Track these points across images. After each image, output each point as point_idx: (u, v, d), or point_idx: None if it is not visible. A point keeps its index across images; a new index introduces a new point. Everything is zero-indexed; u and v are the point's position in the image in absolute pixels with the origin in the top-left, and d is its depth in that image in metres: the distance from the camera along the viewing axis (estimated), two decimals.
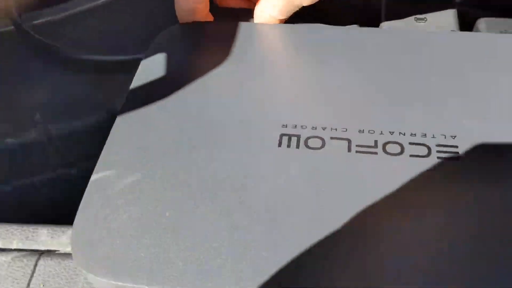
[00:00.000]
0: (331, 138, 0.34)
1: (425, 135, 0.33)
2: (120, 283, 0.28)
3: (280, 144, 0.33)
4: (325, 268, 0.28)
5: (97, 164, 0.34)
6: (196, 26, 0.45)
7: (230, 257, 0.28)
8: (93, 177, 0.33)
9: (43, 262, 0.35)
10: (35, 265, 0.35)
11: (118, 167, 0.33)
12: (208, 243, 0.29)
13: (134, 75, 0.40)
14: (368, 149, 0.33)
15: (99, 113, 0.49)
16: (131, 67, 0.42)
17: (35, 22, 0.52)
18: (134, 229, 0.30)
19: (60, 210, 0.46)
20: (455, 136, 0.33)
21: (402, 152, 0.32)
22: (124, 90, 0.40)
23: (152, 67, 0.40)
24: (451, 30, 0.47)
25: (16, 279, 0.34)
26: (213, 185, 0.32)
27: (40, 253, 0.36)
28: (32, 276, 0.35)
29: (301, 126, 0.34)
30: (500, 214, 0.29)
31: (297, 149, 0.33)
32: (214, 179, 0.32)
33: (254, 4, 0.44)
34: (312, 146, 0.33)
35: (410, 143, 0.33)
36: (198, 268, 0.28)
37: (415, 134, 0.33)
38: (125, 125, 0.36)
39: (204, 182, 0.32)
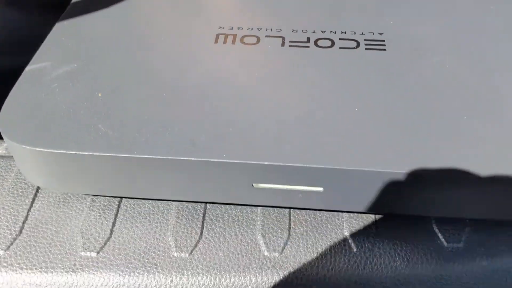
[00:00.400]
0: (266, 36, 0.35)
1: (355, 32, 0.35)
2: (49, 150, 0.28)
3: (216, 41, 0.34)
4: (246, 139, 0.28)
5: (32, 59, 0.34)
6: None
7: (159, 127, 0.29)
8: (27, 68, 0.33)
9: None
10: None
11: (54, 60, 0.33)
12: (139, 116, 0.29)
13: None
14: (301, 44, 0.34)
15: None
16: None
17: None
18: (67, 107, 0.30)
19: None
20: (382, 33, 0.35)
21: (332, 45, 0.34)
22: None
23: None
24: None
25: None
26: (147, 72, 0.32)
27: None
28: None
29: (238, 28, 0.35)
30: (418, 94, 0.31)
31: (233, 45, 0.34)
32: (148, 68, 0.32)
33: None
34: (247, 42, 0.34)
35: (340, 39, 0.34)
36: (127, 135, 0.28)
37: (345, 32, 0.35)
38: (63, 29, 0.36)
39: (139, 70, 0.32)
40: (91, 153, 0.27)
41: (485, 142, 0.28)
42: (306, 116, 0.29)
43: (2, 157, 0.35)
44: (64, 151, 0.28)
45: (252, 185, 0.29)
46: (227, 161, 0.27)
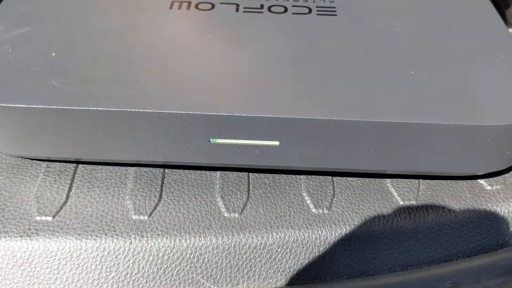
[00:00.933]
0: (220, 3, 0.35)
1: (307, 0, 0.36)
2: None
3: (171, 7, 0.35)
4: (202, 92, 0.29)
5: None
6: None
7: (114, 82, 0.28)
8: None
9: None
10: None
11: (7, 24, 0.33)
12: (93, 72, 0.29)
13: None
14: (255, 10, 0.35)
15: None
16: None
17: None
18: (19, 65, 0.29)
19: None
20: (333, 1, 0.36)
21: (285, 11, 0.35)
22: None
23: None
24: None
25: None
26: (102, 36, 0.32)
27: None
28: None
29: None
30: (367, 52, 0.32)
31: (188, 10, 0.34)
32: (103, 32, 0.32)
33: None
34: (202, 8, 0.35)
35: (293, 6, 0.35)
36: (81, 89, 0.28)
37: (298, 0, 0.36)
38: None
39: (93, 33, 0.32)
40: (43, 106, 0.27)
41: (431, 95, 0.29)
42: (260, 70, 0.30)
43: None
44: (16, 105, 0.27)
45: (209, 141, 0.29)
46: (184, 112, 0.27)
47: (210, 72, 0.29)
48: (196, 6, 0.35)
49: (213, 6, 0.35)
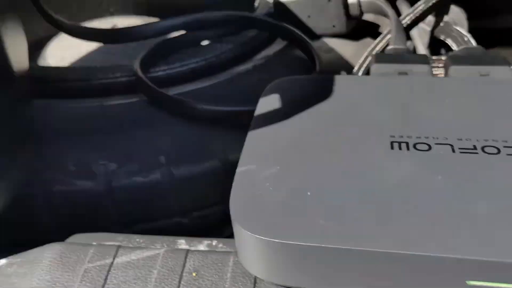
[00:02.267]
0: (436, 144, 0.40)
1: None
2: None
3: (392, 147, 0.40)
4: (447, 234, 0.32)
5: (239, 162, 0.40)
6: (301, 79, 0.54)
7: (374, 221, 0.33)
8: (238, 169, 0.39)
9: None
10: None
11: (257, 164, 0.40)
12: (357, 209, 0.34)
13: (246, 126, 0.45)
14: (469, 151, 0.39)
15: (212, 162, 0.55)
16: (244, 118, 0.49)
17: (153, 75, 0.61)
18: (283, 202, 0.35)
19: None
20: None
21: (499, 152, 0.38)
22: (236, 140, 0.46)
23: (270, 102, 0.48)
24: None
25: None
26: (336, 175, 0.37)
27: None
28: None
29: (407, 136, 0.41)
30: None
31: (408, 151, 0.39)
32: (333, 171, 0.38)
33: None
34: (420, 149, 0.40)
35: (505, 146, 0.39)
36: (349, 228, 0.33)
37: (506, 141, 0.39)
38: (256, 137, 0.43)
39: (331, 170, 0.38)
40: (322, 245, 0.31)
41: None
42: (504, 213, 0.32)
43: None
44: (305, 244, 0.31)
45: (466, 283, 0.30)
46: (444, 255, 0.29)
47: (446, 213, 0.33)
48: (414, 146, 0.40)
49: (430, 147, 0.39)
